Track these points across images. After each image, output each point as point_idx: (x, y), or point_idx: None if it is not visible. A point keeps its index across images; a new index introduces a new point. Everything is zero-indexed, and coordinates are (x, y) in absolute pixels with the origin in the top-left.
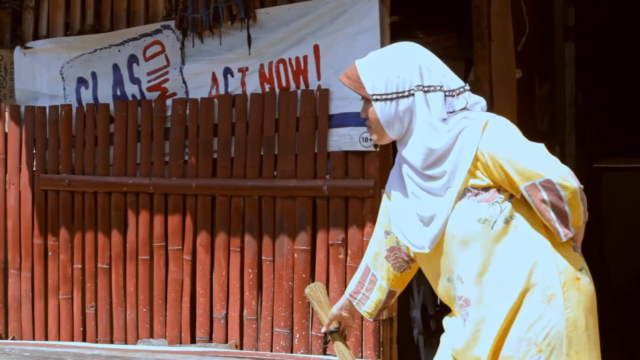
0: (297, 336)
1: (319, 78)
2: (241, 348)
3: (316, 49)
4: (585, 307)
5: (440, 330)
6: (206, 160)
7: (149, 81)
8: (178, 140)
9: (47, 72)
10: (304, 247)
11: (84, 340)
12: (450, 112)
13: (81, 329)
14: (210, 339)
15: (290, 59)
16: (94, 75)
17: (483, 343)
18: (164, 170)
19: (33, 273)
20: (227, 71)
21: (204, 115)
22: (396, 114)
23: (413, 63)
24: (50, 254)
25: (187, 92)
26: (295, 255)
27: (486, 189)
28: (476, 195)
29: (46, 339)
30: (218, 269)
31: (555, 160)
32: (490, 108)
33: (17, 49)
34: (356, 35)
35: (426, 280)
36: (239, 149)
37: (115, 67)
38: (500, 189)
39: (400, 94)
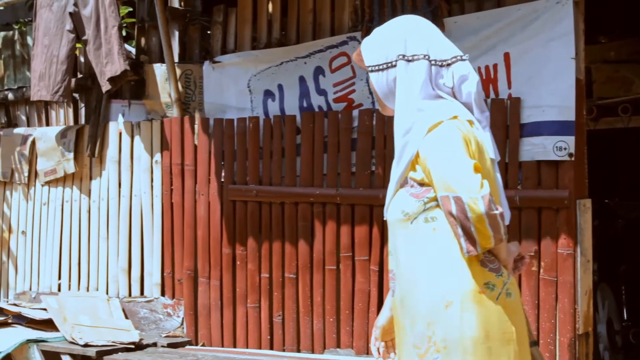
0: None
1: (509, 86)
2: None
3: (507, 57)
4: (486, 320)
5: (627, 345)
6: None
7: (335, 92)
8: (365, 151)
9: (235, 85)
10: None
11: (271, 348)
12: (438, 91)
13: (268, 337)
14: None
15: (479, 68)
16: (280, 87)
17: (405, 319)
18: (350, 181)
19: (222, 281)
20: None
21: (391, 126)
22: (388, 85)
23: (400, 34)
24: (238, 263)
25: (373, 102)
26: None
27: (421, 184)
28: (411, 187)
29: (234, 347)
30: None
31: (474, 182)
32: None
33: (206, 63)
34: (549, 42)
35: (610, 294)
36: None
37: (302, 79)
38: (432, 189)
39: (389, 64)
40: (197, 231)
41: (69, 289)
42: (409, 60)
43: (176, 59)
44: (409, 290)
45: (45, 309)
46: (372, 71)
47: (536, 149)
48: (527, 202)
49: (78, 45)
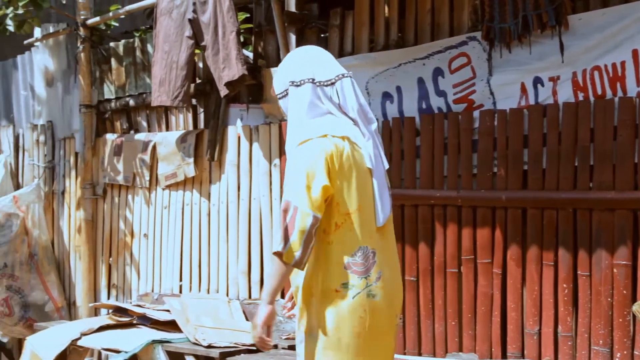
0: (618, 355)
1: (638, 84)
2: None
3: (635, 53)
4: (338, 314)
5: None
6: (516, 172)
7: (455, 93)
8: (486, 152)
9: None
10: (624, 262)
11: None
12: (329, 107)
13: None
14: (522, 355)
15: (605, 66)
16: (398, 89)
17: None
18: (472, 182)
19: None
20: (537, 80)
21: (513, 127)
22: (285, 103)
23: (290, 64)
24: None
25: (494, 103)
26: (615, 271)
27: None
28: None
29: None
30: (530, 283)
31: (298, 193)
32: None
33: None
34: None
35: None
36: (551, 160)
37: (420, 81)
38: None
39: (286, 92)
40: None
41: (190, 290)
42: (297, 85)
43: None
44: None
45: (168, 311)
46: (279, 98)
47: None
48: None
49: (197, 51)
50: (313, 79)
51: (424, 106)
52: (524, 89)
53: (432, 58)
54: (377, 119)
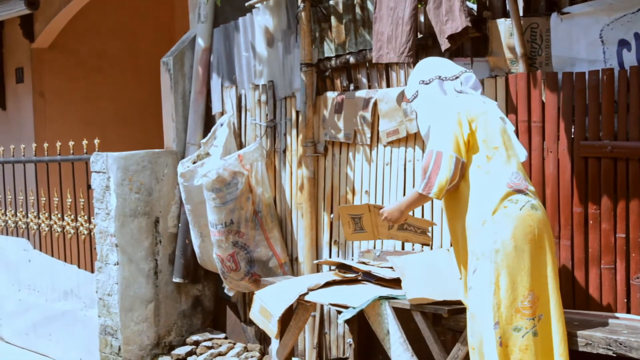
0: None
1: None
2: None
3: None
4: (512, 226)
5: None
6: None
7: None
8: None
9: (585, 36)
10: None
11: (628, 312)
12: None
13: (625, 300)
14: None
15: None
16: (637, 36)
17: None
18: None
19: (572, 241)
20: None
21: None
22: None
23: (418, 70)
24: (590, 222)
25: None
26: None
27: None
28: None
29: (587, 309)
30: None
31: (442, 142)
32: None
33: (554, 15)
34: None
35: None
36: None
37: None
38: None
39: (416, 92)
40: (545, 189)
41: (412, 248)
42: (426, 84)
43: (521, 13)
44: (458, 224)
45: (391, 268)
46: (411, 101)
47: None
48: None
49: (419, 5)
50: (439, 76)
51: None
52: None
53: None
54: (612, 69)
